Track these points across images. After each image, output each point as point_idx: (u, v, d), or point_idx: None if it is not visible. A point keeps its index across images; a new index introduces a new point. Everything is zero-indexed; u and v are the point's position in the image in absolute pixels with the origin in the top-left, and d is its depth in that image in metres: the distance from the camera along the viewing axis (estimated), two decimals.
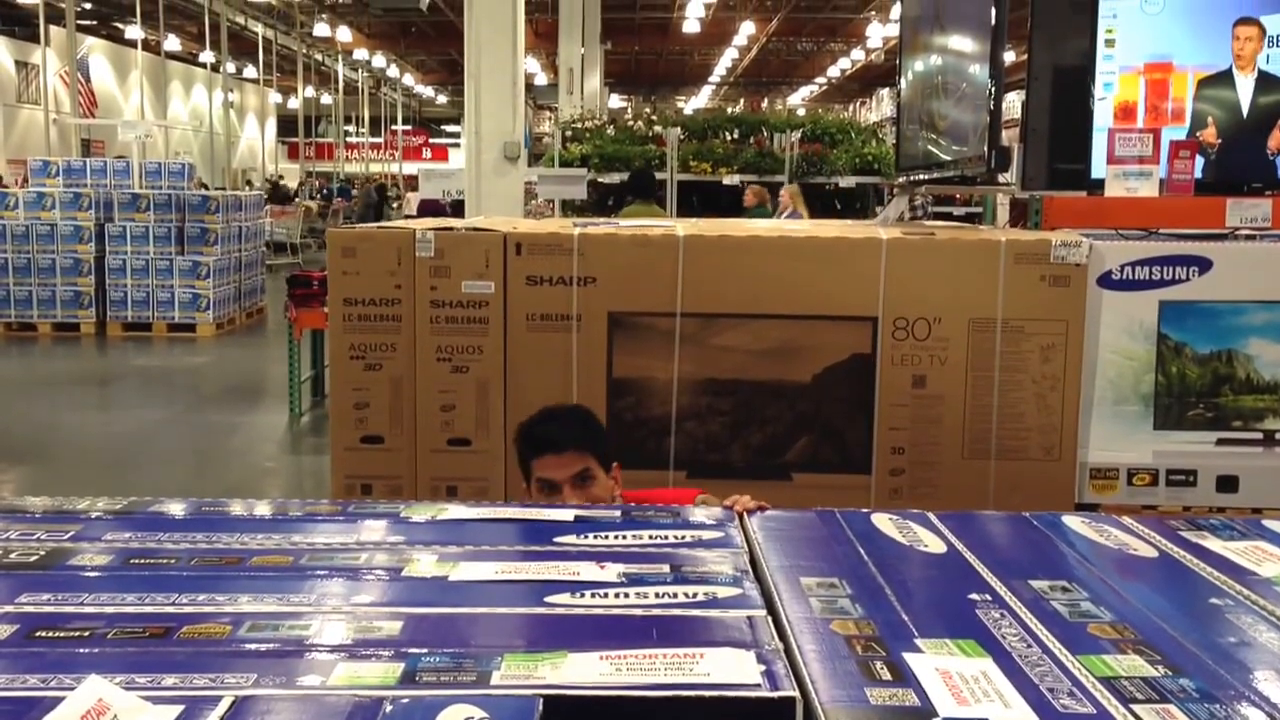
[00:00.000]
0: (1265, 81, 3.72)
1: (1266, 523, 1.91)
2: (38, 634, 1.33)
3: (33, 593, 1.46)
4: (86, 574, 1.55)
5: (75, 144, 19.22)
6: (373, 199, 24.10)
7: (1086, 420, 3.39)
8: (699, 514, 1.92)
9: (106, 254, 11.62)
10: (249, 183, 29.04)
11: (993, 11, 3.69)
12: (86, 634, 1.33)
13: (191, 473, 6.72)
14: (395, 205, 24.13)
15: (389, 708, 1.13)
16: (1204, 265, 3.33)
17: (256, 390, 9.20)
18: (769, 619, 1.41)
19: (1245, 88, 3.74)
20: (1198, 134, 3.75)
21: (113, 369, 10.47)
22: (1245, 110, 3.75)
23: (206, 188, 17.73)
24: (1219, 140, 3.76)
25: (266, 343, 11.70)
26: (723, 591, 1.50)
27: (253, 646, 1.31)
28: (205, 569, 1.58)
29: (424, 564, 1.60)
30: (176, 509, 1.88)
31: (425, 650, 1.28)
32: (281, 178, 31.83)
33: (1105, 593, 1.54)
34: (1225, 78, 3.75)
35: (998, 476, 3.38)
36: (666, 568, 1.59)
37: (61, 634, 1.34)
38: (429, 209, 12.33)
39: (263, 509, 1.92)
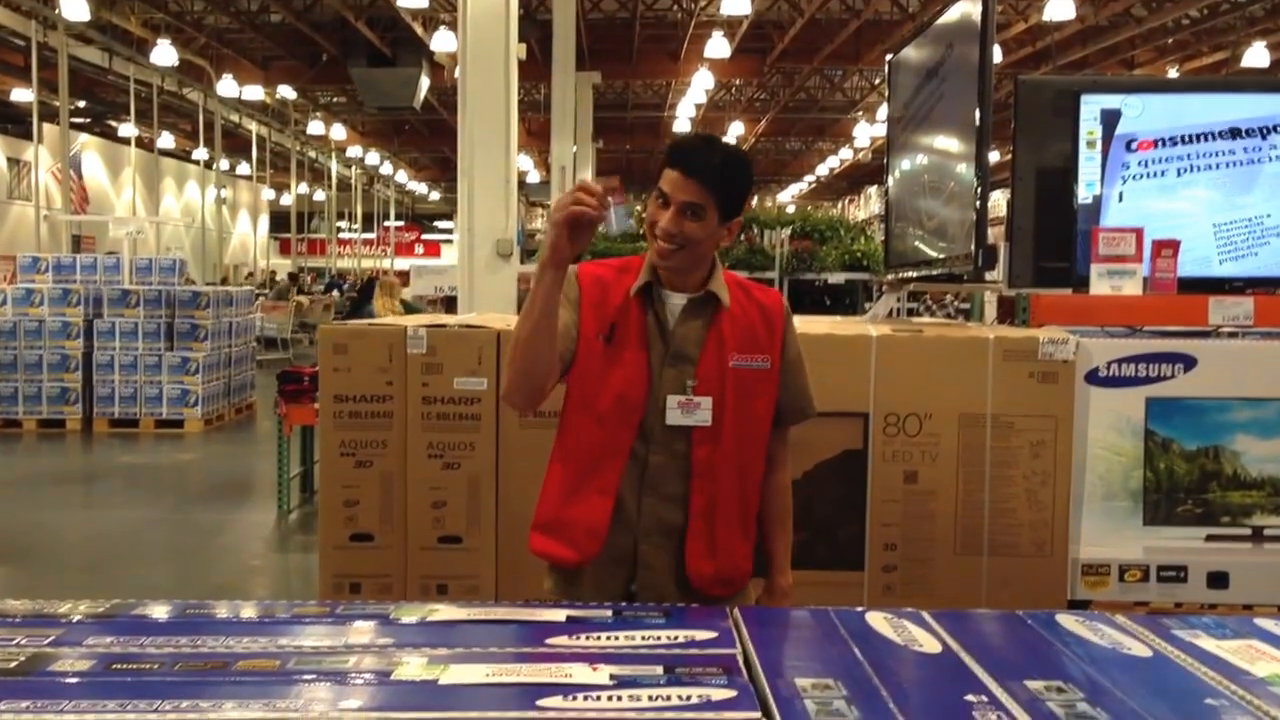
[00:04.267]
0: None
1: (1258, 621, 1.90)
2: None
3: (11, 700, 1.43)
4: (67, 680, 1.53)
5: (65, 240, 19.30)
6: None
7: (1077, 516, 3.38)
8: (694, 614, 1.91)
9: (94, 350, 11.61)
10: (250, 275, 29.20)
11: (977, 113, 3.77)
12: None
13: (177, 572, 6.63)
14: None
15: None
16: (1189, 362, 3.35)
17: (244, 487, 9.13)
18: None
19: None
20: None
21: (98, 466, 10.40)
22: None
23: (194, 282, 17.78)
24: None
25: (255, 438, 11.65)
26: (717, 694, 1.48)
27: None
28: (189, 674, 1.55)
29: (413, 667, 1.58)
30: (160, 611, 1.86)
31: None
32: (274, 273, 32.05)
33: (1101, 693, 1.52)
34: None
35: (990, 572, 3.36)
36: (660, 669, 1.57)
37: None
38: None
39: (249, 611, 1.89)
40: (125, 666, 1.58)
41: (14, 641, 1.67)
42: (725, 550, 2.34)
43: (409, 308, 11.58)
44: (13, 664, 1.58)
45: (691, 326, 2.32)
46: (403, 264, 32.86)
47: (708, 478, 2.30)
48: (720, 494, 2.32)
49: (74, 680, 1.53)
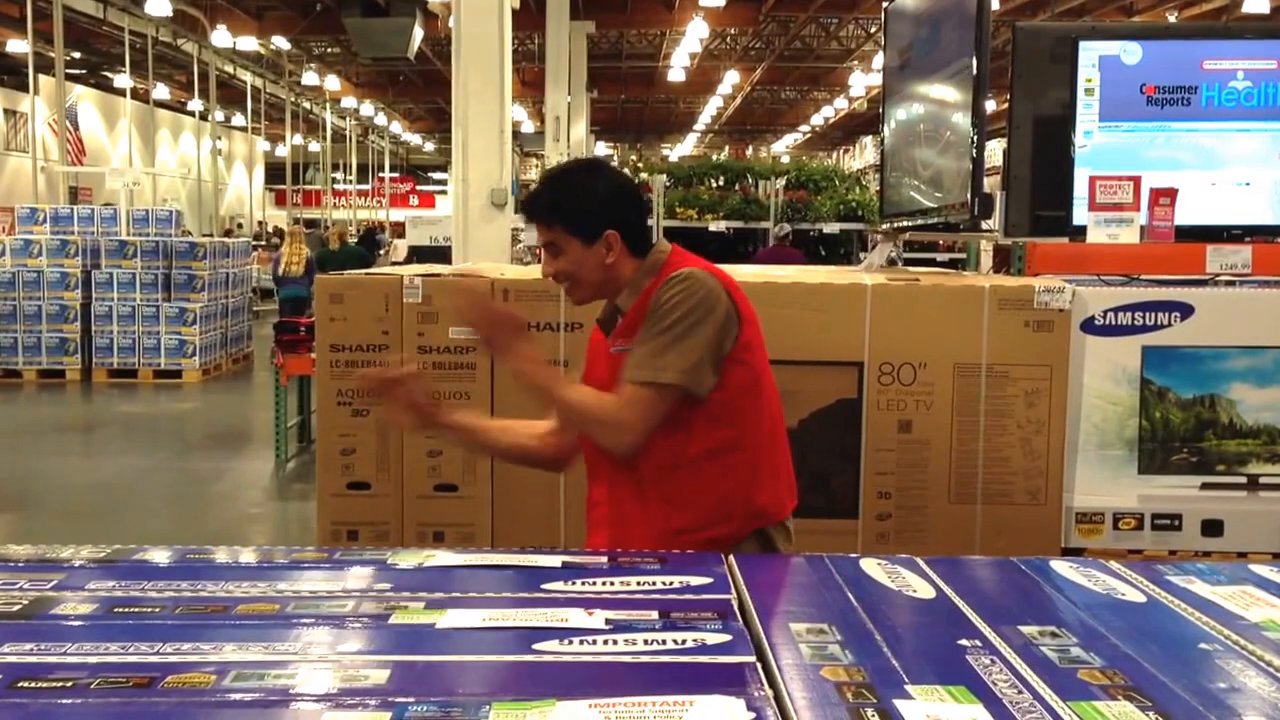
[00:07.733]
0: None
1: (1253, 567, 1.91)
2: (20, 684, 1.32)
3: (15, 642, 1.44)
4: (69, 623, 1.54)
5: (63, 191, 19.19)
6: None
7: (1072, 464, 3.40)
8: (689, 560, 1.92)
9: (93, 300, 11.60)
10: (240, 226, 29.05)
11: (974, 61, 3.74)
12: (69, 684, 1.32)
13: (176, 520, 6.67)
14: (383, 251, 24.03)
15: None
16: (1186, 311, 3.35)
17: (242, 436, 9.16)
18: (759, 666, 1.40)
19: None
20: None
21: (98, 415, 10.42)
22: None
23: (190, 234, 17.70)
24: None
25: (253, 388, 11.66)
26: (712, 638, 1.49)
27: (238, 696, 1.29)
28: (190, 617, 1.56)
29: (411, 611, 1.59)
30: (161, 557, 1.87)
31: (412, 699, 1.27)
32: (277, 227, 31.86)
33: (1095, 638, 1.54)
34: None
35: (984, 520, 3.38)
36: (655, 614, 1.58)
37: (44, 684, 1.32)
38: None
39: (248, 556, 1.90)
40: (127, 610, 1.59)
41: (17, 585, 1.68)
42: (623, 526, 2.30)
43: (327, 255, 11.67)
44: (16, 607, 1.59)
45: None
46: (398, 215, 32.73)
47: (597, 463, 2.38)
48: (616, 476, 2.33)
49: (77, 623, 1.54)
